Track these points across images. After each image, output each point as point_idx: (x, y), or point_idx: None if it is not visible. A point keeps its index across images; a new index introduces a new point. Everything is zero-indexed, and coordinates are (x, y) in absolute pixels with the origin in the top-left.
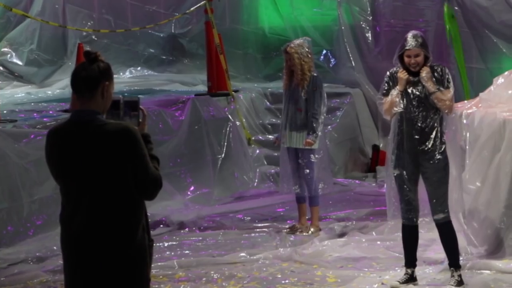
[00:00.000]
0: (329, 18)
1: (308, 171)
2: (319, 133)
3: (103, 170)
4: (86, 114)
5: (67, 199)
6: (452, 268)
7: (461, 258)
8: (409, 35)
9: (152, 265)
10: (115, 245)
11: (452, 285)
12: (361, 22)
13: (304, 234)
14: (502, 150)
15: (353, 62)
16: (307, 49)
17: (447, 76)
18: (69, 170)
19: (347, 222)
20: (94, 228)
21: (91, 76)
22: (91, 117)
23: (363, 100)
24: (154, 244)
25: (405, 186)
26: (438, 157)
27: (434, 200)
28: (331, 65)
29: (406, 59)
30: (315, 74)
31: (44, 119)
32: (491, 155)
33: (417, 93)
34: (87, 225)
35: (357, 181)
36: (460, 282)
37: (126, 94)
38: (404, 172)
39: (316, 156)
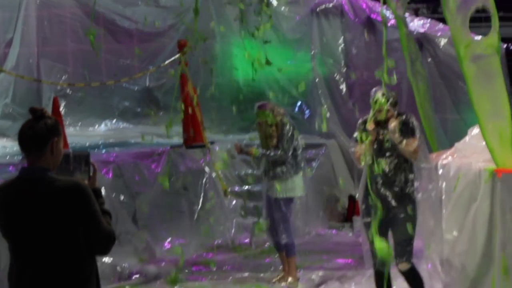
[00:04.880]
0: (304, 70)
1: (283, 220)
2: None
3: (53, 228)
4: (35, 171)
5: (15, 257)
6: None
7: None
8: (379, 95)
9: None
10: None
11: None
12: (335, 74)
13: (282, 284)
14: (478, 200)
15: (328, 114)
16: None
17: (411, 126)
18: (17, 228)
19: (325, 272)
20: (42, 287)
21: (39, 134)
22: (40, 174)
23: (338, 151)
24: None
25: (379, 233)
26: (408, 205)
27: (399, 249)
28: (305, 116)
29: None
30: (284, 120)
31: None
32: (467, 205)
33: (387, 143)
34: (35, 284)
35: (333, 231)
36: None
37: (101, 146)
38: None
39: (292, 205)
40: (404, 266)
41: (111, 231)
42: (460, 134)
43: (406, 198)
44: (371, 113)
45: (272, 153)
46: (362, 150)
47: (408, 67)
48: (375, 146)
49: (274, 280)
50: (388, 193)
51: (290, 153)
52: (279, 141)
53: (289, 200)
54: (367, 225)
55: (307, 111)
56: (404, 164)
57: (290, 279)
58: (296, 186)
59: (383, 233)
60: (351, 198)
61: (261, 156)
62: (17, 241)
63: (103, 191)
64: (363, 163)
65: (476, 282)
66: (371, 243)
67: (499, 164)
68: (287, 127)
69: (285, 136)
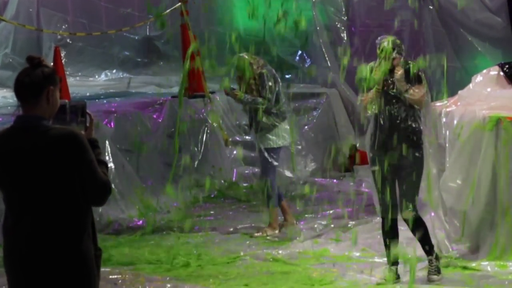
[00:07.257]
0: (304, 18)
1: (269, 170)
2: (248, 100)
3: (48, 177)
4: (30, 120)
5: (10, 208)
6: (430, 257)
7: (442, 254)
8: (385, 43)
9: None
10: (59, 255)
11: (432, 273)
12: (336, 23)
13: (256, 234)
14: (482, 148)
15: (328, 62)
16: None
17: (418, 73)
18: (12, 178)
19: (326, 222)
20: (38, 237)
21: (34, 81)
22: (35, 123)
23: (339, 100)
24: None
25: (385, 181)
26: (415, 153)
27: (405, 198)
28: (306, 65)
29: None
30: (262, 71)
31: None
32: (471, 153)
33: (394, 90)
34: (31, 234)
35: (335, 181)
36: (439, 269)
37: (102, 97)
38: (384, 167)
39: (278, 154)
40: (407, 214)
41: (107, 181)
42: (461, 83)
43: (413, 146)
44: (378, 61)
45: (256, 100)
46: (368, 98)
47: None
48: (382, 94)
49: (262, 233)
50: (396, 141)
51: (273, 102)
52: (260, 92)
53: (275, 150)
54: (377, 173)
55: (308, 60)
56: (410, 111)
57: (268, 231)
58: (280, 136)
59: (390, 180)
60: (352, 147)
61: (246, 101)
62: (12, 191)
63: (106, 142)
64: (370, 112)
65: (479, 230)
66: (378, 191)
67: None
68: (266, 77)
69: (265, 86)
